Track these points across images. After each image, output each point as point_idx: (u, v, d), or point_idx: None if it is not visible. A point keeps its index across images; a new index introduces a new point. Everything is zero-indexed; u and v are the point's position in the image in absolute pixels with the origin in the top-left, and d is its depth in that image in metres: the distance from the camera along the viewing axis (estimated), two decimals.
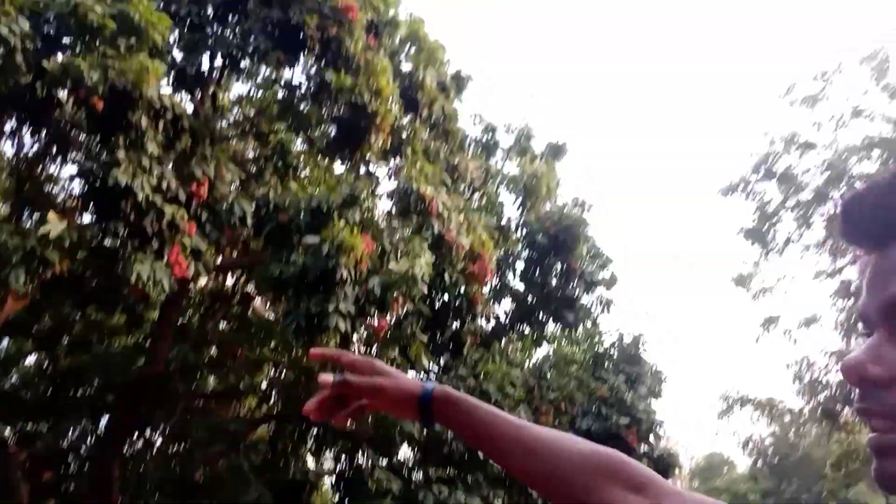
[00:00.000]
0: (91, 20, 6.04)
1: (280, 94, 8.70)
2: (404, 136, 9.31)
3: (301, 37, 7.82)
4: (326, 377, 1.01)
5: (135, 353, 12.35)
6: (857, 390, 0.55)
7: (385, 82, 8.13)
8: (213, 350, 11.39)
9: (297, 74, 8.66)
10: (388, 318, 7.06)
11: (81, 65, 5.87)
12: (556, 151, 12.81)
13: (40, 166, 9.80)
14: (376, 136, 8.48)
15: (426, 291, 7.39)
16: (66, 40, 6.50)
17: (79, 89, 5.97)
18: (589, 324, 11.83)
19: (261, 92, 8.97)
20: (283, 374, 11.90)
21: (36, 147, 7.69)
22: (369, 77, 8.09)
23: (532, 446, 0.90)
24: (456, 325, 9.09)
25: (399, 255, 7.42)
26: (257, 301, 13.24)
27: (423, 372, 8.98)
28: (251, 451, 10.70)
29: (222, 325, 11.74)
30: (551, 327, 12.09)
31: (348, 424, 6.81)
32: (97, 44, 6.15)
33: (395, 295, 7.12)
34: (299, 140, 8.55)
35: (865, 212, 0.56)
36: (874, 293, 0.55)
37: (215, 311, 11.59)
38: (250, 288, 10.87)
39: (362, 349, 7.71)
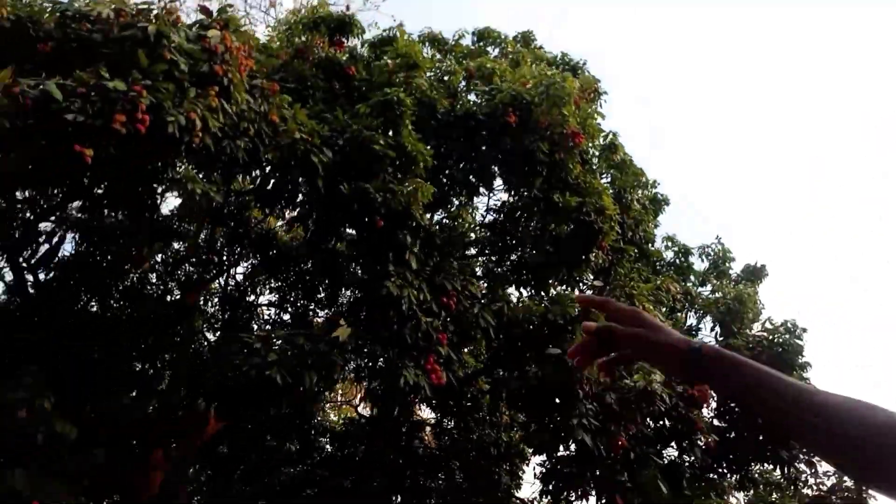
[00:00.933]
0: (376, 150, 6.92)
1: (502, 215, 9.26)
2: (611, 256, 9.51)
3: (531, 162, 8.43)
4: (591, 324, 1.04)
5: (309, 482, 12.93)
6: None
7: (609, 202, 8.49)
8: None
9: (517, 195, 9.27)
10: (624, 435, 6.95)
11: (370, 188, 6.68)
12: (754, 274, 12.47)
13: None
14: (595, 253, 8.77)
15: (663, 409, 7.24)
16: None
17: (363, 209, 6.76)
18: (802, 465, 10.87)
19: (490, 213, 9.56)
20: None
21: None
22: (593, 197, 8.50)
23: (815, 410, 0.83)
24: (673, 452, 8.73)
25: (632, 371, 7.40)
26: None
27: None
28: None
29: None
30: (756, 468, 11.25)
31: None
32: (378, 170, 6.99)
33: (632, 411, 7.04)
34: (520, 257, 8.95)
35: None
36: None
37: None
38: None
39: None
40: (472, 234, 9.03)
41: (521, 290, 8.69)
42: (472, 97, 9.65)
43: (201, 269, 14.35)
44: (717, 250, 12.56)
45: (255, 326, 14.47)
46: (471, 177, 8.51)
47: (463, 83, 10.10)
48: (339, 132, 7.24)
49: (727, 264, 12.48)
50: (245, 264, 12.93)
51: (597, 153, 10.40)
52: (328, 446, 14.86)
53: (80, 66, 5.77)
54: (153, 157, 5.91)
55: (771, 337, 10.73)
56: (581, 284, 9.70)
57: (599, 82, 10.70)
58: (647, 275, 10.73)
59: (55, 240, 9.03)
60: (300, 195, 6.85)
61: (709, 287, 12.47)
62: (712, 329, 11.59)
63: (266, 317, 14.26)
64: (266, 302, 14.38)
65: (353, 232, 7.53)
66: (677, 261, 12.66)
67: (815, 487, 11.64)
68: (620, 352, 1.03)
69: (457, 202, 9.88)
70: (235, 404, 11.88)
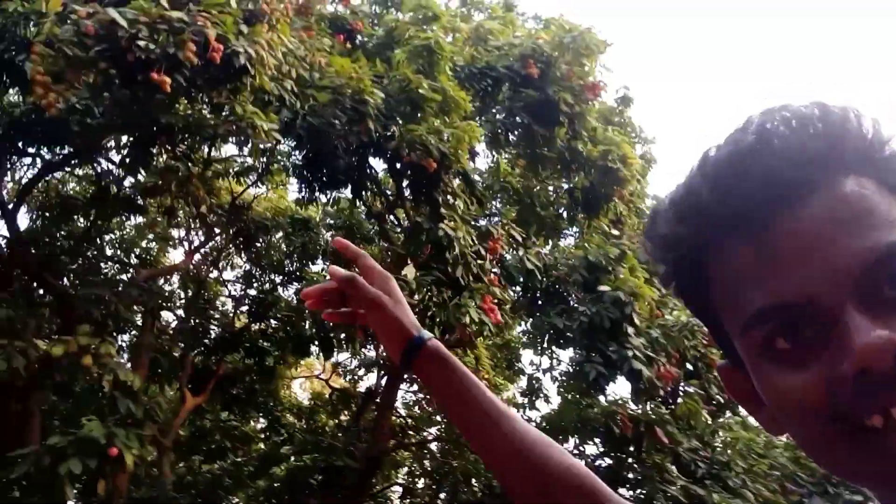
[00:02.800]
0: (421, 94, 6.88)
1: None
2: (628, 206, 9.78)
3: (554, 112, 8.54)
4: (337, 269, 0.94)
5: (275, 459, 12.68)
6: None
7: (630, 151, 8.73)
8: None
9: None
10: (674, 367, 7.23)
11: (420, 130, 6.65)
12: None
13: None
14: (614, 202, 9.01)
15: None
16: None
17: (412, 153, 6.72)
18: None
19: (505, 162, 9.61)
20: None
21: None
22: (613, 146, 8.71)
23: (515, 440, 0.84)
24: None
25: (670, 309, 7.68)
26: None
27: None
28: None
29: None
30: None
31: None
32: (423, 115, 6.95)
33: (674, 345, 7.33)
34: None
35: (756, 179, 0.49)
36: (818, 259, 0.46)
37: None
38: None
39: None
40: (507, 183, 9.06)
41: (548, 238, 8.84)
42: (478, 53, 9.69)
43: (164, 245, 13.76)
44: None
45: (219, 304, 14.12)
46: (497, 127, 8.57)
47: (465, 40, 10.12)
48: (378, 78, 7.17)
49: None
50: (214, 240, 12.59)
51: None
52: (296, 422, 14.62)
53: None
54: (215, 92, 5.70)
55: None
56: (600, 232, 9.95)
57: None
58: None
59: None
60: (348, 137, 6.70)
61: None
62: None
63: (231, 293, 13.94)
64: (232, 278, 14.04)
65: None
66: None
67: None
68: (355, 310, 0.95)
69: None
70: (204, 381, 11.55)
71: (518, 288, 7.81)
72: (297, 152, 9.06)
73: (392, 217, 8.83)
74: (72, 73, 5.06)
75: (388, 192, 8.03)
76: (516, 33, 10.14)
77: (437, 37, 7.40)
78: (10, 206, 8.61)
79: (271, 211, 12.69)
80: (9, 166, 9.51)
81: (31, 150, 9.14)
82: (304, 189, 8.84)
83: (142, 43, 4.95)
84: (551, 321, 7.38)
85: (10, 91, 8.66)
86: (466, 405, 0.87)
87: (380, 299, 0.91)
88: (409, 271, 6.18)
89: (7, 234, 8.07)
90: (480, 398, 0.87)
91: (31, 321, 5.79)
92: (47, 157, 9.36)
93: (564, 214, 9.02)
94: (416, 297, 6.15)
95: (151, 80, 4.88)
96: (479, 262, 6.93)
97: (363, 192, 7.49)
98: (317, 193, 8.49)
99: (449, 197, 7.04)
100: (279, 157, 10.82)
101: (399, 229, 7.85)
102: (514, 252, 7.44)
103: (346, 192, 8.17)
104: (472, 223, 7.15)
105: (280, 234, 12.53)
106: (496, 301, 6.84)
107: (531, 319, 7.88)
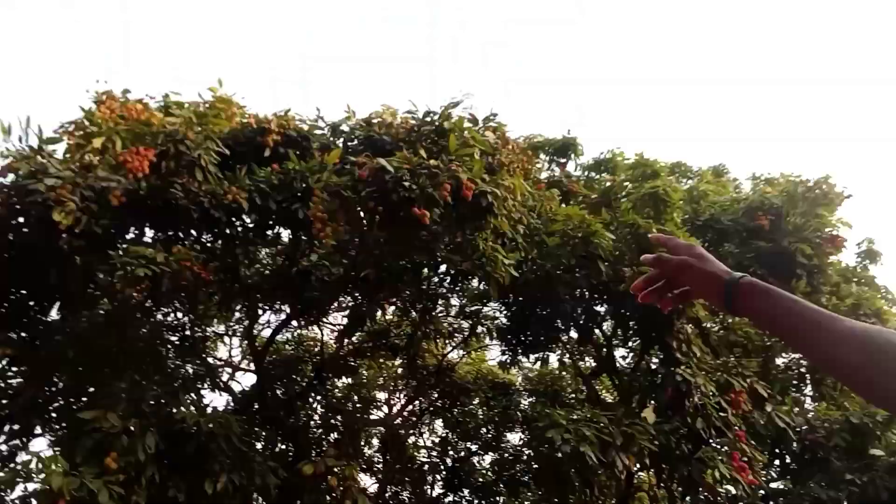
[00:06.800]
0: (650, 239, 6.83)
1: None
2: None
3: (790, 264, 8.00)
4: (647, 256, 1.09)
5: None
6: None
7: (884, 307, 7.85)
8: None
9: None
10: None
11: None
12: None
13: None
14: None
15: None
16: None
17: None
18: None
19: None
20: None
21: None
22: (865, 301, 7.89)
23: (843, 337, 0.85)
24: None
25: None
26: None
27: None
28: None
29: None
30: None
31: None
32: None
33: None
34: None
35: None
36: None
37: None
38: None
39: None
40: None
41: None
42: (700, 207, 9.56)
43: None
44: None
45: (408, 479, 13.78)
46: None
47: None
48: (604, 225, 7.28)
49: None
50: (415, 403, 12.66)
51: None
52: None
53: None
54: (459, 232, 6.11)
55: None
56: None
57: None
58: None
59: None
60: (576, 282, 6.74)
61: None
62: None
63: (429, 459, 13.64)
64: (429, 444, 13.78)
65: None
66: None
67: None
68: (675, 285, 1.08)
69: None
70: None
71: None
72: (502, 314, 9.27)
73: (605, 374, 8.48)
74: (343, 213, 5.71)
75: (606, 344, 7.77)
76: (730, 195, 9.99)
77: (665, 185, 7.46)
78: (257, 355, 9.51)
79: (472, 374, 12.76)
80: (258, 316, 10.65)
81: (274, 305, 10.20)
82: (506, 352, 8.89)
83: (406, 184, 5.53)
84: (812, 493, 6.35)
85: (264, 251, 9.97)
86: (795, 317, 0.91)
87: (685, 261, 1.05)
88: (649, 414, 5.75)
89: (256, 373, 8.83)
90: (807, 312, 0.90)
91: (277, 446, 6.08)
92: (287, 311, 10.37)
93: (808, 376, 8.07)
94: (656, 443, 5.64)
95: (412, 214, 5.35)
96: (720, 414, 6.30)
97: (585, 342, 7.32)
98: (520, 356, 8.44)
99: (682, 344, 6.63)
100: (483, 321, 11.09)
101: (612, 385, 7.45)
102: (761, 409, 6.67)
103: (554, 357, 8.06)
104: (709, 373, 6.59)
105: (477, 399, 12.45)
106: (745, 459, 6.06)
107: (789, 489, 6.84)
